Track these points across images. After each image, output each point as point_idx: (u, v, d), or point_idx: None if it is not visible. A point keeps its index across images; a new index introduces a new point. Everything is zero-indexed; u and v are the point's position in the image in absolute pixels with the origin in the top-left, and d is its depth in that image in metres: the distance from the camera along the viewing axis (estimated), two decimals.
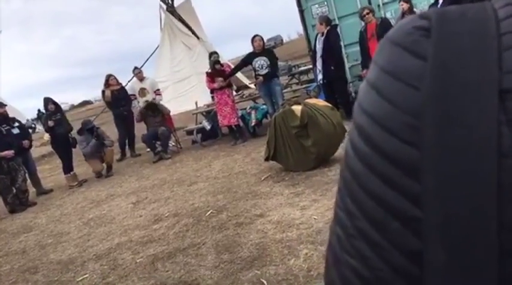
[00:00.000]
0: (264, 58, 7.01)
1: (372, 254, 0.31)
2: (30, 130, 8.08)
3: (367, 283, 0.32)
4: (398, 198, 0.30)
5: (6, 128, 6.78)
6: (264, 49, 7.18)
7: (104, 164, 7.65)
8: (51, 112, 7.47)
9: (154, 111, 8.08)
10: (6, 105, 7.44)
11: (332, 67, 6.60)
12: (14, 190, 6.57)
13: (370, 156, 0.31)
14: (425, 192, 0.28)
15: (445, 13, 0.31)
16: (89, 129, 7.48)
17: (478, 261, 0.27)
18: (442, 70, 0.29)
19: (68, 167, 7.53)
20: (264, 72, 7.01)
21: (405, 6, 6.38)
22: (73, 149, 7.70)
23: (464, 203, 0.27)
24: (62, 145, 7.51)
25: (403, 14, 6.44)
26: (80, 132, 7.58)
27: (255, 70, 7.11)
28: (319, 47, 6.70)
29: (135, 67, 9.08)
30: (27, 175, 6.98)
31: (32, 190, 7.22)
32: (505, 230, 0.27)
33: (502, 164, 0.27)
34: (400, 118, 0.30)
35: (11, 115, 7.47)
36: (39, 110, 7.41)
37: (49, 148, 9.41)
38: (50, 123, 7.30)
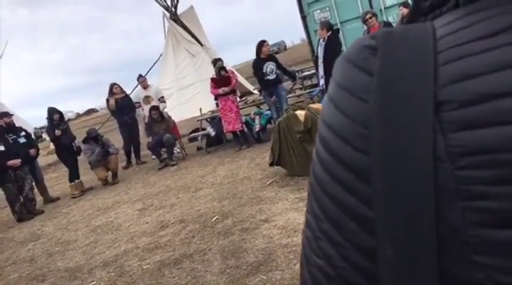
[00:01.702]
0: (273, 63, 7.27)
1: (334, 253, 0.34)
2: (39, 139, 8.21)
3: (332, 281, 0.35)
4: (353, 200, 0.33)
5: (12, 137, 6.85)
6: (269, 55, 7.34)
7: (109, 172, 7.71)
8: (58, 121, 7.55)
9: (160, 115, 8.12)
10: (12, 115, 7.53)
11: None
12: (22, 199, 6.62)
13: (330, 163, 0.34)
14: (375, 194, 0.31)
15: (390, 33, 0.34)
16: (93, 137, 7.55)
17: (420, 254, 0.30)
18: (386, 84, 0.32)
19: (73, 176, 7.59)
20: (273, 76, 7.21)
21: (405, 11, 6.43)
22: (78, 158, 7.78)
23: (407, 202, 0.30)
24: (68, 154, 7.61)
25: (403, 19, 6.48)
26: (85, 141, 7.67)
27: (265, 74, 7.19)
28: (320, 52, 6.75)
29: (140, 75, 9.14)
30: (34, 183, 7.04)
31: (39, 199, 7.28)
32: (442, 224, 0.29)
33: (437, 167, 0.29)
34: (353, 128, 0.33)
35: (17, 124, 7.56)
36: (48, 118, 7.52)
37: (55, 157, 9.48)
38: (58, 132, 7.39)
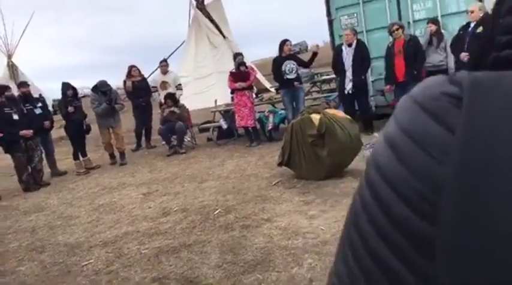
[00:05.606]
0: (293, 62, 7.26)
1: None
2: (56, 111, 8.22)
3: None
4: (407, 273, 0.27)
5: (28, 107, 6.91)
6: (290, 54, 7.31)
7: (117, 152, 7.78)
8: (71, 98, 7.49)
9: (174, 101, 8.13)
10: (29, 85, 7.57)
11: (363, 77, 6.72)
12: (30, 169, 6.70)
13: (381, 221, 0.29)
14: (441, 273, 0.26)
15: (478, 81, 0.28)
16: (103, 91, 7.62)
17: None
18: (474, 149, 0.26)
19: (77, 154, 7.57)
20: (292, 76, 7.18)
21: (433, 28, 6.35)
22: (87, 136, 7.83)
23: None
24: (77, 131, 7.56)
25: (431, 36, 6.40)
26: (93, 89, 7.76)
27: (284, 73, 7.17)
28: (347, 56, 6.73)
29: (163, 59, 9.15)
30: (43, 155, 7.10)
31: (46, 171, 7.35)
32: None
33: None
34: (417, 188, 0.28)
35: (35, 95, 7.59)
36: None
37: None
38: (71, 109, 7.36)
